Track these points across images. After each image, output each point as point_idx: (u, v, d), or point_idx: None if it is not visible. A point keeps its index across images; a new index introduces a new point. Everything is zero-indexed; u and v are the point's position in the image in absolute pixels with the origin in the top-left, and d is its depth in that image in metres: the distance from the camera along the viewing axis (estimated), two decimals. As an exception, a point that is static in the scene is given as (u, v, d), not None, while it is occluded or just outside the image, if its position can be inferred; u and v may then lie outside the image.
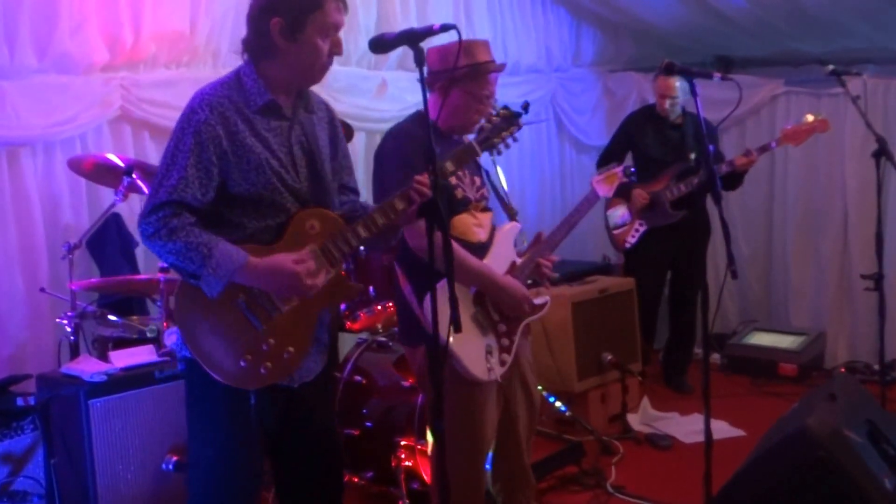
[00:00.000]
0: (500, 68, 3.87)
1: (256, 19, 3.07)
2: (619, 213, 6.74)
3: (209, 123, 2.96)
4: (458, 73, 3.68)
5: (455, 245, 3.60)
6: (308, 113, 3.22)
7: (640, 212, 6.60)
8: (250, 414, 3.07)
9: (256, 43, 3.09)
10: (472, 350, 3.71)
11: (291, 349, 3.07)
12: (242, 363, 3.00)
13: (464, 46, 3.59)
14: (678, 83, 6.38)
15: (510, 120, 3.53)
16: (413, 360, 3.91)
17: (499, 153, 3.62)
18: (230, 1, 5.56)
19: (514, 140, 3.56)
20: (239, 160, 2.99)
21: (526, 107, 3.64)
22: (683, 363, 6.98)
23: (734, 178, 6.41)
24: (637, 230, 6.64)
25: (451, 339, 3.53)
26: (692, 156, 6.49)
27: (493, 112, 3.55)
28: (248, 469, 3.16)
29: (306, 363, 3.17)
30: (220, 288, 2.93)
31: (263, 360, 3.02)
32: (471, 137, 3.60)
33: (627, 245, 6.71)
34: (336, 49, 3.11)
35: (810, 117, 6.18)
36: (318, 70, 3.13)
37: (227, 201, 3.03)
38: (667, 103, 6.52)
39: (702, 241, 6.75)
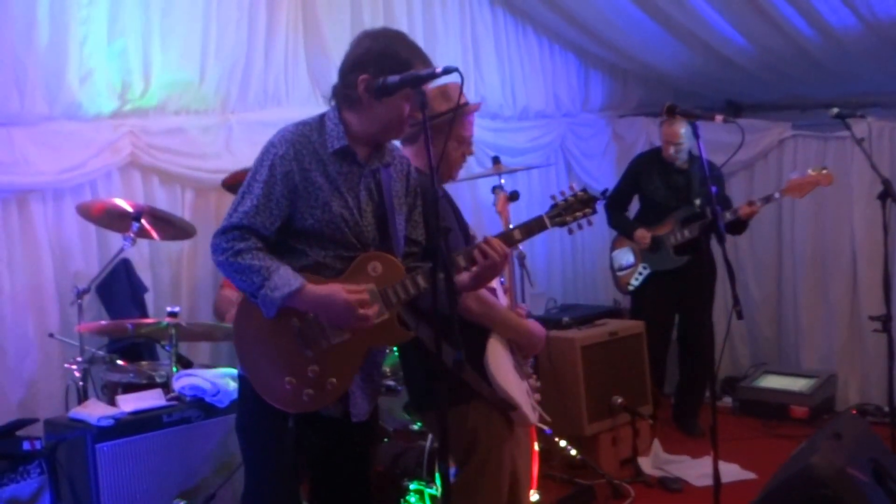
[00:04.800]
0: (478, 107, 3.84)
1: (347, 72, 3.22)
2: (624, 255, 6.76)
3: (285, 158, 3.14)
4: (445, 120, 3.51)
5: (494, 298, 3.62)
6: (384, 165, 3.31)
7: (644, 255, 6.61)
8: (287, 437, 3.20)
9: (343, 93, 3.24)
10: (524, 397, 3.69)
11: (334, 380, 3.17)
12: (287, 385, 3.12)
13: (441, 91, 3.58)
14: (683, 129, 6.40)
15: (587, 203, 3.49)
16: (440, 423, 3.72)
17: (570, 232, 3.55)
18: (240, 49, 5.64)
19: (590, 224, 3.52)
20: (308, 195, 3.15)
21: (604, 193, 3.64)
22: (695, 406, 6.95)
23: (739, 225, 6.44)
24: (641, 273, 6.66)
25: (510, 388, 3.53)
26: (697, 201, 6.50)
27: (572, 192, 3.53)
28: (281, 488, 3.27)
29: (360, 401, 3.29)
30: (276, 309, 3.07)
31: (306, 386, 3.13)
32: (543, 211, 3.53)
33: (630, 287, 6.73)
34: (415, 113, 3.19)
35: (814, 171, 6.22)
36: (394, 129, 3.27)
37: (293, 232, 3.19)
38: (672, 150, 6.56)
39: (708, 283, 6.71)
